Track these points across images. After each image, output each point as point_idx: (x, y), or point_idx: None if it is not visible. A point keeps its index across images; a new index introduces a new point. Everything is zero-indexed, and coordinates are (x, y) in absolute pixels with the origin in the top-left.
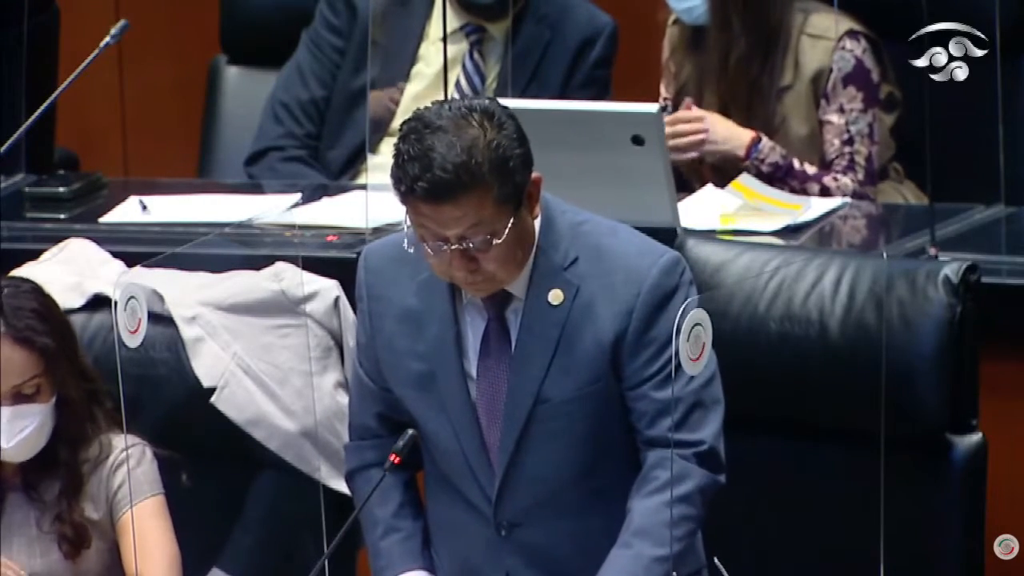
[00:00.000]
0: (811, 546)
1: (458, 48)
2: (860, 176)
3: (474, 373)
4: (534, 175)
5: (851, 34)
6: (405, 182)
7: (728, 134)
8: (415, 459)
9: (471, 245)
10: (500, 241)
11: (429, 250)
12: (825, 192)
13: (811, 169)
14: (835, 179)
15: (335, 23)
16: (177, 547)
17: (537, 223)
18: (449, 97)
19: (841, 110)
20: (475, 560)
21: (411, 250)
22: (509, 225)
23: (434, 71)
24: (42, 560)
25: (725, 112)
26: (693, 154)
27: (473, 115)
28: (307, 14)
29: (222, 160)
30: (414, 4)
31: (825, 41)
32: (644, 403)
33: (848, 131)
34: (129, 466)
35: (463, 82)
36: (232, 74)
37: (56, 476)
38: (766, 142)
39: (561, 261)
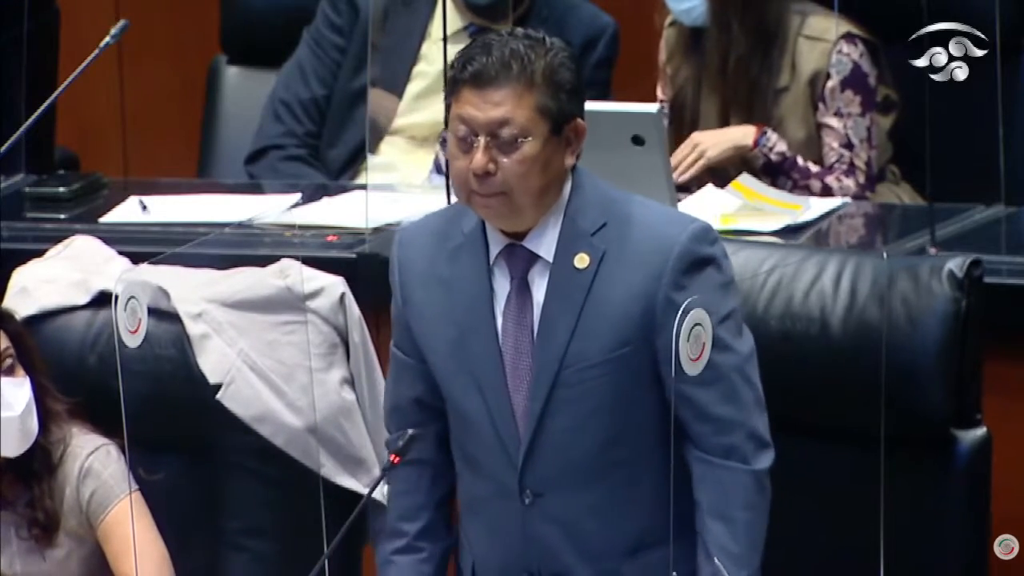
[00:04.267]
0: (816, 542)
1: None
2: (861, 180)
3: (500, 337)
4: (580, 122)
5: (848, 38)
6: (457, 68)
7: (723, 135)
8: (454, 468)
9: (501, 138)
10: (528, 141)
11: (458, 149)
12: (826, 190)
13: (814, 167)
14: (838, 179)
15: (337, 22)
16: (162, 543)
17: (567, 189)
18: None
19: (839, 114)
20: (504, 534)
21: (443, 156)
22: (541, 135)
23: (436, 70)
24: (23, 571)
25: (725, 113)
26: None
27: (546, 43)
28: (307, 14)
29: (222, 160)
30: (417, 3)
31: (822, 43)
32: (681, 400)
33: (847, 136)
34: (97, 470)
35: None
36: (232, 74)
37: (28, 477)
38: (772, 132)
39: (589, 227)
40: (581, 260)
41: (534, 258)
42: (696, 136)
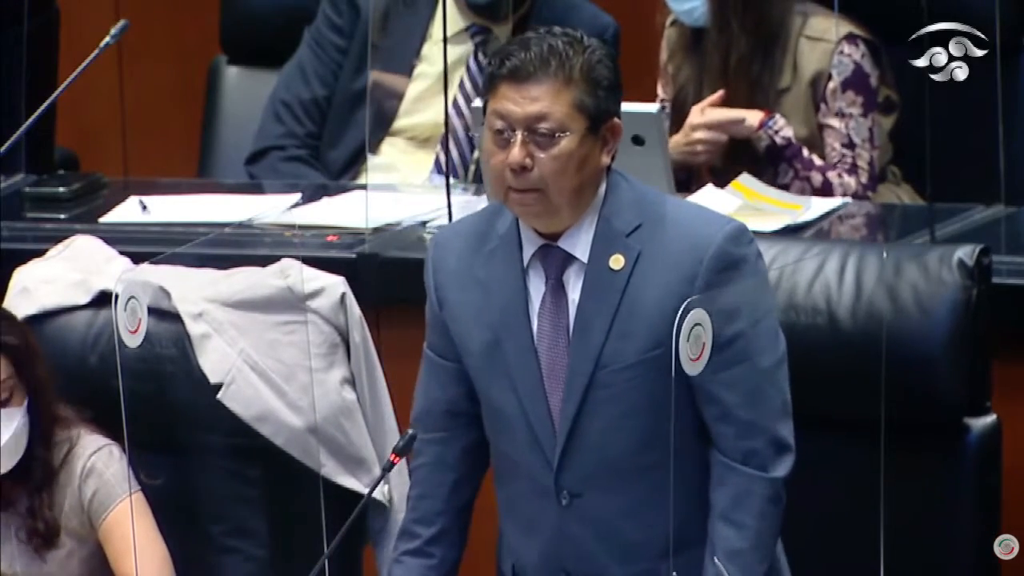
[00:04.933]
0: (827, 534)
1: (463, 49)
2: (863, 180)
3: (535, 338)
4: (616, 121)
5: (850, 38)
6: (495, 64)
7: (730, 111)
8: (478, 476)
9: (538, 133)
10: (565, 137)
11: (495, 145)
12: (827, 185)
13: (817, 160)
14: (839, 175)
15: (338, 22)
16: (163, 543)
17: (602, 189)
18: (451, 100)
19: (841, 115)
20: (540, 534)
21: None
22: (578, 131)
23: (437, 71)
24: (23, 571)
25: None
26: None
27: (584, 41)
28: (307, 14)
29: (222, 160)
30: (418, 4)
31: (824, 44)
32: (706, 400)
33: (849, 136)
34: (99, 470)
35: (467, 83)
36: (232, 74)
37: (28, 484)
38: (780, 117)
39: (624, 227)
40: (616, 261)
41: (569, 259)
42: (710, 112)
